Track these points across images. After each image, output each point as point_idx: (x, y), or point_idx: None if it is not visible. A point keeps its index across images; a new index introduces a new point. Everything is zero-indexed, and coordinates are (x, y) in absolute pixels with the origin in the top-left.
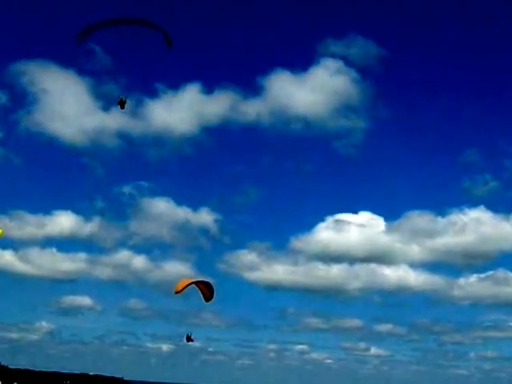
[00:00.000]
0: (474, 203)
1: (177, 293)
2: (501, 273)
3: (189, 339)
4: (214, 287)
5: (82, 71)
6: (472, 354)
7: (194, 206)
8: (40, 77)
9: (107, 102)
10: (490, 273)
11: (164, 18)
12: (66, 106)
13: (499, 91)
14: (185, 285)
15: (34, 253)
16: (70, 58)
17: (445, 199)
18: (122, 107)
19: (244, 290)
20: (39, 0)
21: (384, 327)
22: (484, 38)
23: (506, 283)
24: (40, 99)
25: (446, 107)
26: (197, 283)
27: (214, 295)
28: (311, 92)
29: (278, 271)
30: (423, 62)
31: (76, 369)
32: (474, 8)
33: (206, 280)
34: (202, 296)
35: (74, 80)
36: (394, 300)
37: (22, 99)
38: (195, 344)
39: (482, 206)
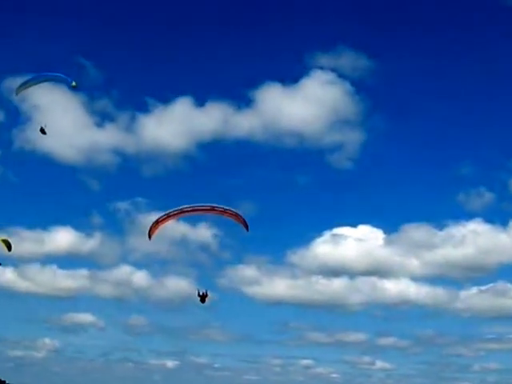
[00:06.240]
0: (470, 215)
1: (150, 237)
2: (500, 285)
3: (203, 298)
4: (215, 302)
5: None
6: (475, 366)
7: (192, 222)
8: (32, 93)
9: (101, 118)
10: (490, 285)
11: (154, 31)
12: (60, 122)
13: (494, 101)
14: (156, 227)
15: (35, 270)
16: (62, 73)
17: (441, 212)
18: (44, 133)
19: (245, 304)
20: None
21: (387, 340)
22: (481, 46)
23: (505, 295)
24: (33, 116)
25: (441, 118)
26: (223, 212)
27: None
28: (303, 105)
29: (278, 285)
30: (416, 73)
31: None
32: (467, 15)
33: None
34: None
35: (67, 96)
36: (396, 313)
37: (16, 116)
38: (200, 360)
39: (478, 218)
